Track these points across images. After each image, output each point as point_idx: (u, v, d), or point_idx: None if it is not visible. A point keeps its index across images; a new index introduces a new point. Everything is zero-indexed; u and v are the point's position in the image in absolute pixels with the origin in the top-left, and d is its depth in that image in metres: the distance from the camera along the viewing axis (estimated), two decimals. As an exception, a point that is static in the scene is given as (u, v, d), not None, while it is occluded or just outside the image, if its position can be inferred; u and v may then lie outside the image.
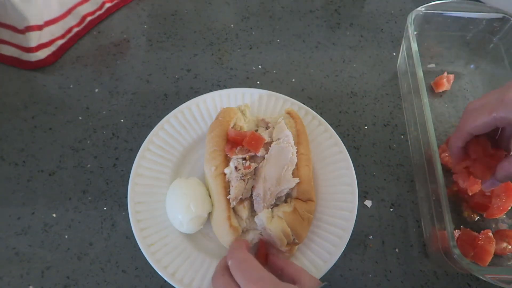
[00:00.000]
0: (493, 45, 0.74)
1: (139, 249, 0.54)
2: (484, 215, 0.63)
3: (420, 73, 0.62)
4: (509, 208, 0.61)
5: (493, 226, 0.63)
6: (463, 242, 0.59)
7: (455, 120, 0.73)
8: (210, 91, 0.69)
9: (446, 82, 0.75)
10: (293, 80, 0.77)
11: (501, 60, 0.73)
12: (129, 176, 0.59)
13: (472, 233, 0.60)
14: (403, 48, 0.73)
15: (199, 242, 0.58)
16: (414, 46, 0.64)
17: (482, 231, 0.59)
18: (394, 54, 0.82)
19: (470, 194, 0.59)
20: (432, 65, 0.78)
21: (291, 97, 0.68)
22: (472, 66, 0.79)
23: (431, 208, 0.58)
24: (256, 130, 0.62)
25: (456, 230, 0.61)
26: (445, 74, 0.76)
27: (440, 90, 0.75)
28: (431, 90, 0.76)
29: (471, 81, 0.78)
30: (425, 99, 0.60)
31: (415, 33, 0.65)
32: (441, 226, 0.53)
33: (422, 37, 0.64)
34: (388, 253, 0.61)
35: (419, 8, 0.67)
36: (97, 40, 0.79)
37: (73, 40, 0.78)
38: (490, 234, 0.59)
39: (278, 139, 0.59)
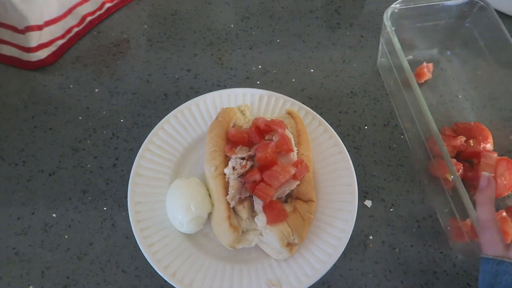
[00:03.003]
0: (464, 29, 0.76)
1: (139, 249, 0.54)
2: None
3: (406, 65, 0.64)
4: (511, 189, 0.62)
5: (501, 204, 0.63)
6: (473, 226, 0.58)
7: (443, 107, 0.75)
8: (210, 91, 0.69)
9: (427, 71, 0.77)
10: (293, 80, 0.77)
11: (475, 42, 0.75)
12: (129, 176, 0.59)
13: (471, 213, 0.59)
14: (382, 45, 0.74)
15: (199, 242, 0.58)
16: (396, 41, 0.65)
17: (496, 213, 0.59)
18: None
19: None
20: (410, 57, 0.79)
21: (291, 97, 0.68)
22: (448, 52, 0.81)
23: (447, 200, 0.58)
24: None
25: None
26: (424, 64, 0.77)
27: (423, 80, 0.77)
28: None
29: (449, 67, 0.80)
30: (417, 89, 0.61)
31: (393, 28, 0.67)
32: (463, 215, 0.54)
33: (397, 32, 0.67)
34: (388, 253, 0.61)
35: (393, 5, 0.69)
36: (97, 40, 0.79)
37: (73, 40, 0.78)
38: (504, 214, 0.58)
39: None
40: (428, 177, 0.65)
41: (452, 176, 0.56)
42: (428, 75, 0.77)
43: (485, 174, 0.50)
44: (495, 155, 0.64)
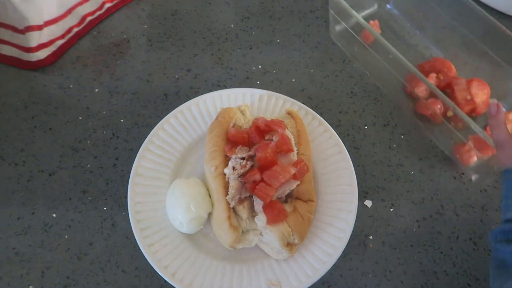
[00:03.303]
0: None
1: (139, 249, 0.54)
2: (474, 115, 0.72)
3: (363, 21, 0.68)
4: (489, 100, 0.72)
5: (482, 122, 0.71)
6: (482, 142, 0.62)
7: (402, 55, 0.76)
8: (210, 91, 0.69)
9: (377, 28, 0.81)
10: (293, 80, 0.77)
11: None
12: (129, 176, 0.59)
13: (487, 140, 0.61)
14: (332, 17, 0.77)
15: (199, 242, 0.58)
16: (347, 5, 0.69)
17: (485, 129, 0.68)
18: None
19: None
20: (355, 21, 0.82)
21: (291, 97, 0.68)
22: (388, 6, 0.87)
23: (448, 130, 0.66)
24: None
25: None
26: (371, 22, 0.81)
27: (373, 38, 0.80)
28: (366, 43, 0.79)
29: (393, 18, 0.86)
30: (382, 38, 0.66)
31: None
32: (467, 136, 0.63)
33: (334, 3, 0.73)
34: (388, 253, 0.61)
35: None
36: (97, 40, 0.79)
37: (73, 40, 0.78)
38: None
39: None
40: (422, 119, 0.73)
41: (452, 112, 0.64)
42: (378, 31, 0.80)
43: (493, 101, 0.56)
44: (463, 80, 0.72)
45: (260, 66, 0.78)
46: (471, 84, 0.72)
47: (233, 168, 0.56)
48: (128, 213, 0.57)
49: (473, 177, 0.68)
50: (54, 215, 0.61)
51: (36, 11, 0.71)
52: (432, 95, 0.69)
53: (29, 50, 0.73)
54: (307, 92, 0.76)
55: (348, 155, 0.63)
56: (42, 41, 0.74)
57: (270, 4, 0.88)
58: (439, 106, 0.67)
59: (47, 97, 0.71)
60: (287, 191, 0.56)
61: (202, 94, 0.68)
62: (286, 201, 0.57)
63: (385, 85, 0.76)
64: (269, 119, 0.60)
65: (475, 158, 0.65)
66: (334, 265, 0.55)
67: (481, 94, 0.72)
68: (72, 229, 0.60)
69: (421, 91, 0.69)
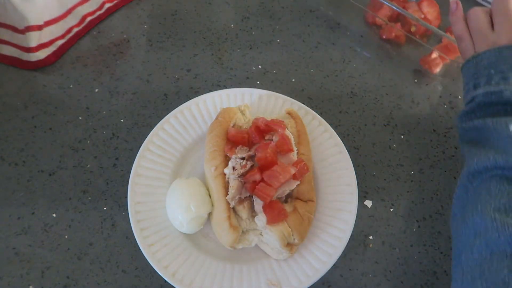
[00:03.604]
0: None
1: (139, 249, 0.54)
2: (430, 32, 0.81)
3: None
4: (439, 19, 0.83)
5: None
6: (444, 47, 0.76)
7: None
8: (210, 91, 0.69)
9: None
10: (293, 80, 0.77)
11: None
12: (129, 176, 0.59)
13: (451, 39, 0.71)
14: None
15: (199, 242, 0.58)
16: None
17: (447, 31, 0.77)
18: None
19: None
20: None
21: (291, 97, 0.68)
22: None
23: (415, 46, 0.81)
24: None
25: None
26: None
27: None
28: None
29: None
30: None
31: None
32: (436, 42, 0.79)
33: None
34: (388, 253, 0.61)
35: None
36: (97, 40, 0.79)
37: (73, 40, 0.78)
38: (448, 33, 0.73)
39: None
40: (388, 42, 0.83)
41: (414, 27, 0.79)
42: None
43: None
44: (414, 2, 0.81)
45: (260, 66, 0.78)
46: (421, 5, 0.82)
47: (233, 168, 0.56)
48: (128, 213, 0.57)
49: (440, 87, 0.77)
50: (54, 215, 0.61)
51: (36, 11, 0.71)
52: (392, 18, 0.82)
53: (29, 50, 0.73)
54: (307, 92, 0.76)
55: (348, 155, 0.63)
56: (42, 41, 0.74)
57: (270, 4, 0.88)
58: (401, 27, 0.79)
59: (47, 97, 0.71)
60: (287, 191, 0.56)
61: (202, 94, 0.68)
62: (286, 201, 0.57)
63: (350, 21, 0.86)
64: (269, 119, 0.60)
65: (441, 64, 0.77)
66: (334, 265, 0.55)
67: (432, 11, 0.82)
68: (72, 229, 0.60)
69: (383, 16, 0.80)
